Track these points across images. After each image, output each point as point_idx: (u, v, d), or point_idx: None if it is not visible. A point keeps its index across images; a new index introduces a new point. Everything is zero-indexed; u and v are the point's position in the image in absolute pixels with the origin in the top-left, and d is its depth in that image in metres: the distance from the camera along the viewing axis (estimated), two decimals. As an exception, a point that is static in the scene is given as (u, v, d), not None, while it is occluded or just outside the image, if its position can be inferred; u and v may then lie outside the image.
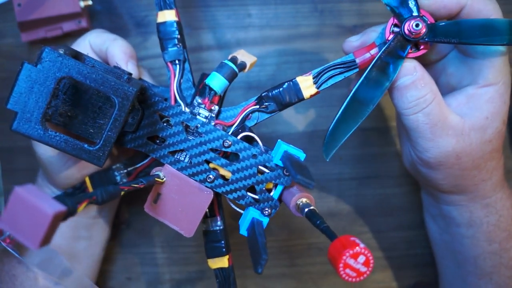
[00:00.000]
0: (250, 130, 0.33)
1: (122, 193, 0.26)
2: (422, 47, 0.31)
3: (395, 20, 0.31)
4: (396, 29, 0.31)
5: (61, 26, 0.43)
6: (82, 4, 0.42)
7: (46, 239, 0.19)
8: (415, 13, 0.30)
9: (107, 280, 0.48)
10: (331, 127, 0.32)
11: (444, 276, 0.43)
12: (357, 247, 0.23)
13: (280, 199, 0.33)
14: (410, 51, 0.31)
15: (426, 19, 0.30)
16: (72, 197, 0.21)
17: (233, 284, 0.35)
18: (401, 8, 0.30)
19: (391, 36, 0.31)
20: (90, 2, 0.43)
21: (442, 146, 0.32)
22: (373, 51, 0.31)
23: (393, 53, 0.31)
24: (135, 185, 0.28)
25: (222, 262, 0.34)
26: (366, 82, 0.31)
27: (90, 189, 0.36)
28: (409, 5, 0.30)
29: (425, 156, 0.33)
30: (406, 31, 0.30)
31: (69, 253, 0.40)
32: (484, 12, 0.31)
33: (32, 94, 0.28)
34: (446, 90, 0.35)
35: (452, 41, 0.30)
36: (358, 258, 0.23)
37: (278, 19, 0.46)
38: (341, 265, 0.23)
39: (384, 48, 0.31)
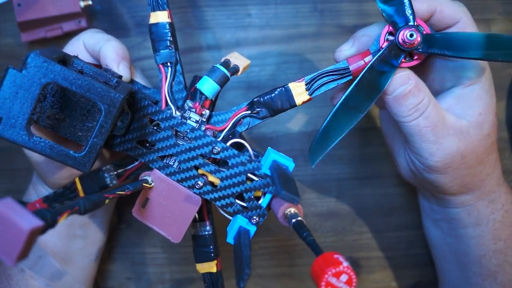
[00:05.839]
0: (241, 136, 0.33)
1: (107, 201, 0.26)
2: (416, 57, 0.31)
3: (390, 28, 0.30)
4: (390, 37, 0.30)
5: (61, 26, 0.43)
6: (82, 4, 0.42)
7: (23, 254, 0.19)
8: (410, 22, 0.29)
9: (107, 280, 0.48)
10: (318, 134, 0.31)
11: (447, 280, 0.43)
12: (340, 266, 0.22)
13: (268, 207, 0.32)
14: (403, 60, 0.30)
15: (422, 29, 0.29)
16: (52, 209, 0.21)
17: None
18: (397, 16, 0.30)
19: (385, 44, 0.30)
20: (90, 2, 0.43)
21: (447, 147, 0.33)
22: (367, 58, 0.31)
23: (386, 62, 0.30)
24: (121, 192, 0.27)
25: (210, 267, 0.34)
26: (357, 90, 0.31)
27: (80, 190, 0.36)
28: (405, 13, 0.30)
29: (432, 161, 0.33)
30: (400, 41, 0.29)
31: (65, 252, 0.40)
32: (454, 16, 0.31)
33: (17, 99, 0.27)
34: None
35: (447, 54, 0.30)
36: (340, 277, 0.22)
37: (278, 19, 0.46)
38: (323, 283, 0.23)
39: (376, 56, 0.30)
